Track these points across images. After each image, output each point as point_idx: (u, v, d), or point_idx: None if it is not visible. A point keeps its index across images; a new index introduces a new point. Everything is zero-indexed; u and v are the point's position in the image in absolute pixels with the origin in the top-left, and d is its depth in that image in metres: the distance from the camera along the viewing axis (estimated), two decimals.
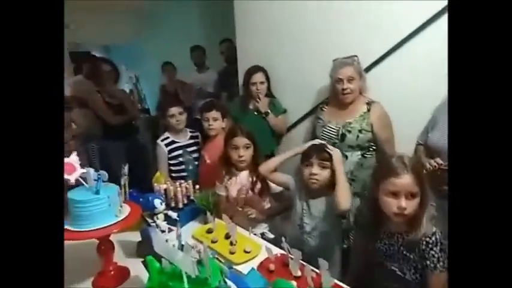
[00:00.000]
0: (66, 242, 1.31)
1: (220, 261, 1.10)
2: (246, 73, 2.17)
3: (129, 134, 2.78)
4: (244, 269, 1.10)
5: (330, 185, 1.34)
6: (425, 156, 1.51)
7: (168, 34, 4.65)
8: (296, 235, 1.40)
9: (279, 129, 2.20)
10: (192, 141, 2.08)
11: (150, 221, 1.34)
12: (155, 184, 1.58)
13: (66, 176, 0.99)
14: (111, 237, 1.12)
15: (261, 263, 1.12)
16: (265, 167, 1.49)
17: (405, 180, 1.00)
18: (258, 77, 2.13)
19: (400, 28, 1.64)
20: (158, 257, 0.75)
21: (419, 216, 1.02)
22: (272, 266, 1.08)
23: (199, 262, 0.68)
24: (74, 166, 1.02)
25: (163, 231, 1.30)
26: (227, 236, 1.29)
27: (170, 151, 2.02)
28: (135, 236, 1.31)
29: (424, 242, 1.01)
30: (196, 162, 2.05)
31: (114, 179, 1.16)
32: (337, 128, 1.73)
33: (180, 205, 1.53)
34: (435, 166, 1.37)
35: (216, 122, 1.87)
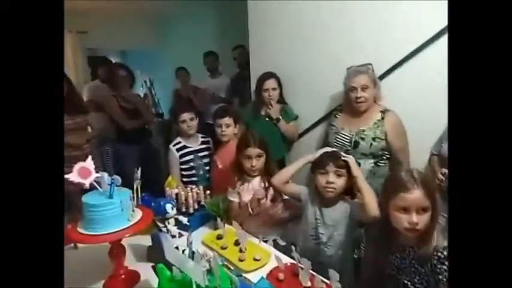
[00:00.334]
0: (79, 245, 1.35)
1: (229, 268, 1.10)
2: (259, 79, 2.18)
3: (143, 138, 2.83)
4: (253, 277, 1.10)
5: (343, 193, 1.32)
6: (439, 167, 1.47)
7: (182, 40, 4.73)
8: (310, 245, 1.38)
9: (291, 135, 2.20)
10: (203, 146, 2.10)
11: (161, 225, 1.35)
12: (167, 188, 1.60)
13: (81, 180, 1.02)
14: (123, 241, 1.14)
15: (271, 271, 1.11)
16: (279, 178, 1.46)
17: (415, 195, 0.98)
18: (271, 83, 2.14)
19: (415, 36, 1.62)
20: (169, 264, 0.76)
21: (430, 230, 1.00)
22: (281, 275, 1.07)
23: (209, 271, 0.68)
24: (89, 170, 1.04)
25: (173, 236, 1.31)
26: (237, 243, 1.29)
27: (181, 156, 2.04)
28: (146, 240, 1.32)
29: (436, 257, 0.98)
30: (207, 168, 2.06)
31: (127, 182, 1.17)
32: (351, 136, 1.71)
33: (191, 210, 1.54)
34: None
35: (228, 128, 1.88)
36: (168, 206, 1.38)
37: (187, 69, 3.59)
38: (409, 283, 1.05)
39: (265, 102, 2.16)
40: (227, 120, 1.88)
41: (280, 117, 2.14)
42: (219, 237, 1.36)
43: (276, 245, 1.40)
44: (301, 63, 2.15)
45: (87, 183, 1.03)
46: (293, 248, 1.10)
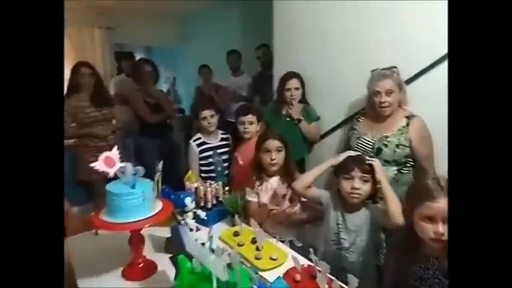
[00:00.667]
0: (101, 231, 1.39)
1: (244, 265, 1.10)
2: (281, 78, 2.17)
3: (164, 132, 2.89)
4: (268, 276, 1.09)
5: (367, 198, 1.29)
6: None
7: (206, 38, 4.78)
8: (331, 250, 1.35)
9: (312, 136, 2.17)
10: (222, 143, 2.11)
11: (179, 218, 1.37)
12: (187, 182, 1.62)
13: (106, 169, 1.04)
14: (142, 231, 1.16)
15: (287, 271, 1.10)
16: (300, 183, 1.42)
17: (442, 204, 0.93)
18: (293, 83, 2.12)
19: (445, 40, 1.55)
20: (188, 256, 0.76)
21: None
22: (298, 276, 1.05)
23: (229, 266, 0.68)
24: (114, 160, 1.06)
25: (191, 230, 1.33)
26: (253, 241, 1.28)
27: (201, 151, 2.06)
28: (164, 232, 1.35)
29: None
30: (225, 164, 2.07)
31: (147, 174, 1.20)
32: (373, 141, 1.66)
33: (209, 205, 1.56)
34: None
35: (251, 126, 1.89)
36: (188, 200, 1.39)
37: (210, 67, 3.62)
38: None
39: (287, 101, 2.14)
40: (250, 117, 1.89)
41: (302, 118, 2.11)
42: (236, 234, 1.37)
43: (292, 246, 1.38)
44: (325, 64, 2.12)
45: (111, 172, 1.05)
46: (311, 250, 1.07)
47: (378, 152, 1.62)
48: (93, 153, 2.29)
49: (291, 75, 2.14)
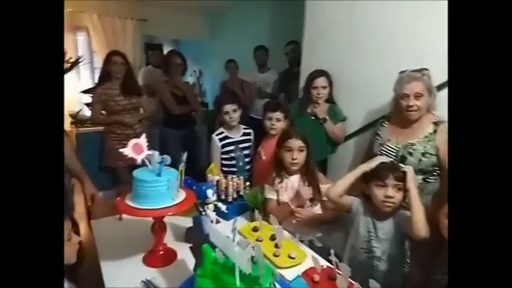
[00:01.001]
0: (125, 217, 1.43)
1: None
2: (309, 76, 2.13)
3: (188, 124, 2.93)
4: (286, 274, 1.08)
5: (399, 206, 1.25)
6: None
7: (235, 33, 4.80)
8: (360, 258, 1.31)
9: (336, 137, 2.12)
10: (244, 137, 2.11)
11: (201, 209, 1.38)
12: (209, 175, 1.63)
13: (134, 155, 1.07)
14: (164, 219, 1.18)
15: (306, 271, 1.08)
16: (334, 191, 1.34)
17: None
18: (321, 81, 2.08)
19: None
20: (211, 247, 0.77)
21: None
22: (317, 277, 1.03)
23: (252, 259, 0.67)
24: (142, 147, 1.08)
25: (211, 222, 1.33)
26: (272, 238, 1.27)
27: (223, 146, 2.07)
28: (185, 222, 1.37)
29: None
30: (246, 159, 2.07)
31: (170, 164, 1.21)
32: (397, 149, 1.57)
33: (230, 199, 1.56)
34: None
35: (278, 123, 1.89)
36: (209, 192, 1.40)
37: (237, 62, 3.63)
38: None
39: (313, 100, 2.10)
40: (278, 114, 1.88)
41: (327, 117, 2.07)
42: (255, 229, 1.36)
43: (311, 246, 1.36)
44: (356, 64, 2.06)
45: (139, 159, 1.07)
46: (331, 251, 1.05)
47: (401, 161, 1.52)
48: (119, 141, 2.37)
49: (319, 73, 2.10)
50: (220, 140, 2.07)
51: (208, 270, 0.71)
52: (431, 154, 1.50)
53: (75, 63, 4.22)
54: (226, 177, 1.61)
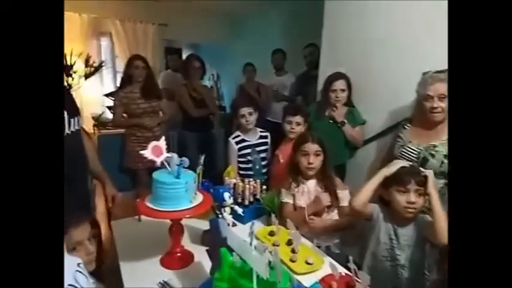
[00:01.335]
0: (143, 218, 1.46)
1: None
2: (327, 79, 2.11)
3: (206, 127, 2.97)
4: (303, 280, 1.06)
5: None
6: None
7: (253, 36, 4.83)
8: (382, 267, 1.28)
9: (355, 141, 2.08)
10: (261, 141, 2.11)
11: (217, 212, 1.39)
12: (226, 178, 1.63)
13: (154, 158, 1.08)
14: (182, 221, 1.19)
15: (323, 278, 1.06)
16: (359, 201, 1.29)
17: None
18: (340, 84, 2.06)
19: None
20: (229, 250, 0.76)
21: None
22: (334, 284, 1.01)
23: (269, 264, 0.67)
24: (161, 149, 1.10)
25: (228, 225, 1.33)
26: (289, 243, 1.26)
27: (240, 149, 2.08)
28: (202, 224, 1.38)
29: None
30: (263, 163, 2.07)
31: (188, 167, 1.22)
32: (419, 150, 1.53)
33: (246, 202, 1.56)
34: None
35: (298, 127, 1.88)
36: (226, 195, 1.40)
37: (254, 66, 3.65)
38: None
39: (331, 103, 2.08)
40: (298, 118, 1.88)
41: (346, 121, 2.04)
42: (272, 233, 1.35)
43: (329, 252, 1.33)
44: (375, 67, 2.02)
45: (158, 161, 1.09)
46: (350, 258, 1.02)
47: (423, 163, 1.49)
48: (139, 143, 2.43)
49: (338, 76, 2.07)
50: (237, 143, 2.08)
51: (226, 273, 0.71)
52: None
53: (99, 68, 4.38)
54: (243, 181, 1.61)
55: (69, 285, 0.62)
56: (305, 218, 1.45)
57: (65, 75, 4.02)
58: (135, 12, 4.59)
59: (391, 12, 1.91)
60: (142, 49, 4.60)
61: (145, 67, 2.46)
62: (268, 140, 2.13)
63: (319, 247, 1.28)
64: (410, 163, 1.32)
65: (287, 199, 1.53)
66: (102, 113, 4.33)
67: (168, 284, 1.05)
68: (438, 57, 1.63)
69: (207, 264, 1.10)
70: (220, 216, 1.31)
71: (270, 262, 0.67)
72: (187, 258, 1.19)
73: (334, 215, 1.53)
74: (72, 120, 1.26)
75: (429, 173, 1.21)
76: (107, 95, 4.17)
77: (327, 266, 1.11)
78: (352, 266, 1.01)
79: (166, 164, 1.10)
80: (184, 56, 4.19)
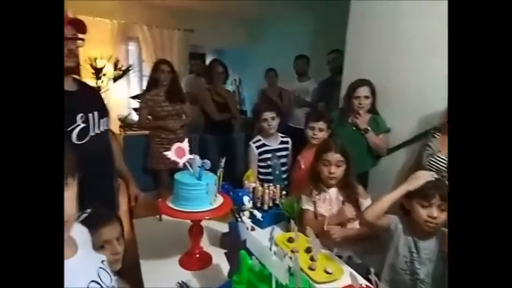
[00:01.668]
0: (164, 218, 1.48)
1: None
2: (351, 85, 2.08)
3: (227, 131, 3.00)
4: None
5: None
6: None
7: (276, 42, 4.85)
8: (401, 280, 1.23)
9: (378, 148, 2.03)
10: (282, 146, 2.10)
11: (236, 215, 1.39)
12: (245, 181, 1.64)
13: (176, 159, 1.11)
14: (202, 223, 1.20)
15: None
16: (372, 213, 1.24)
17: None
18: (363, 90, 2.02)
19: None
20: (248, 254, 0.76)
21: None
22: None
23: (289, 270, 0.66)
24: (184, 151, 1.12)
25: (246, 228, 1.33)
26: (308, 250, 1.24)
27: (260, 153, 2.07)
28: (220, 227, 1.38)
29: None
30: (283, 168, 2.06)
31: (209, 170, 1.23)
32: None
33: (265, 207, 1.55)
34: None
35: (320, 133, 1.86)
36: (246, 198, 1.40)
37: (276, 71, 3.65)
38: None
39: (354, 110, 2.04)
40: (321, 124, 1.86)
41: (369, 128, 1.99)
42: (290, 240, 1.33)
43: (350, 262, 1.30)
44: (401, 74, 1.97)
45: (181, 162, 1.11)
46: (371, 270, 0.99)
47: None
48: (162, 145, 2.49)
49: (362, 82, 2.03)
50: (258, 147, 2.08)
51: (245, 277, 0.70)
52: None
53: (126, 71, 4.55)
54: (262, 185, 1.61)
55: (92, 281, 0.63)
56: (325, 228, 1.41)
57: (95, 78, 4.22)
58: (162, 18, 4.74)
59: (418, 14, 1.85)
60: (168, 54, 4.73)
61: (171, 71, 2.53)
62: (289, 146, 2.12)
63: (340, 257, 1.25)
64: (437, 175, 1.26)
65: (308, 206, 1.51)
66: (128, 114, 4.48)
67: (187, 284, 1.06)
68: None
69: (225, 267, 1.09)
70: (239, 219, 1.31)
71: (289, 268, 0.66)
72: (206, 259, 1.20)
73: (355, 225, 1.49)
74: (101, 120, 1.31)
75: None
76: (133, 98, 4.31)
77: (347, 276, 1.08)
78: (373, 277, 0.97)
79: (188, 165, 1.12)
80: (207, 61, 4.27)
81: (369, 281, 0.99)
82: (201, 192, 1.06)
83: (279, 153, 2.08)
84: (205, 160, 1.11)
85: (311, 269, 1.14)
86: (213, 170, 1.25)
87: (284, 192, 1.62)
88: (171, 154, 1.10)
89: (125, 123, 4.22)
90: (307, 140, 1.91)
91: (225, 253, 1.13)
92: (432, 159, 1.55)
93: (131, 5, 4.51)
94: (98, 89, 3.93)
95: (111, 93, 4.46)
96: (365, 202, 1.48)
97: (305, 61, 3.46)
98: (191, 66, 4.48)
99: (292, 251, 1.25)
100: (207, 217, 1.08)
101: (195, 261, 1.18)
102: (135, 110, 3.86)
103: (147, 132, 2.66)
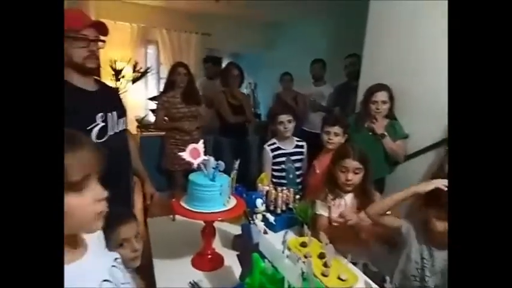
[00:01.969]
0: (177, 218, 1.49)
1: None
2: (368, 90, 2.04)
3: (241, 133, 3.01)
4: None
5: None
6: None
7: (294, 46, 4.84)
8: (412, 287, 1.19)
9: (396, 155, 1.98)
10: (297, 150, 2.08)
11: (249, 218, 1.38)
12: (259, 184, 1.63)
13: (191, 160, 1.11)
14: (214, 224, 1.20)
15: None
16: (373, 209, 1.27)
17: None
18: (381, 95, 1.98)
19: None
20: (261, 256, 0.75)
21: None
22: None
23: (302, 274, 0.64)
24: (199, 152, 1.13)
25: (259, 232, 1.32)
26: (321, 256, 1.22)
27: (274, 157, 2.07)
28: (233, 229, 1.38)
29: None
30: (297, 172, 2.04)
31: (223, 172, 1.23)
32: None
33: (278, 210, 1.54)
34: None
35: (336, 137, 1.83)
36: (259, 201, 1.40)
37: (292, 75, 3.64)
38: None
39: (371, 115, 2.00)
40: (337, 129, 1.83)
41: (386, 134, 1.95)
42: (303, 244, 1.32)
43: (365, 270, 1.27)
44: (420, 76, 1.92)
45: (195, 163, 1.12)
46: (387, 278, 0.96)
47: None
48: (177, 145, 2.52)
49: (379, 87, 2.00)
50: (272, 150, 2.07)
51: (257, 279, 0.70)
52: None
53: (145, 73, 4.65)
54: (276, 189, 1.60)
55: (104, 280, 0.64)
56: (340, 232, 1.38)
57: (114, 79, 4.34)
58: (181, 22, 4.83)
59: (439, 14, 1.80)
60: (185, 57, 4.81)
61: (187, 74, 2.57)
62: (304, 150, 2.10)
63: (355, 264, 1.22)
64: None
65: (322, 211, 1.49)
66: (146, 115, 4.57)
67: (198, 284, 1.06)
68: None
69: (237, 269, 1.09)
70: (252, 222, 1.30)
71: (303, 273, 0.65)
72: (218, 260, 1.20)
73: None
74: (120, 120, 1.34)
75: None
76: (150, 99, 4.40)
77: (361, 284, 1.05)
78: (388, 286, 0.95)
79: (202, 166, 1.13)
80: (223, 65, 4.31)
81: None
82: (215, 194, 1.07)
83: (293, 157, 2.06)
84: (220, 162, 1.12)
85: (324, 275, 1.12)
86: (227, 172, 1.25)
87: (297, 197, 1.61)
88: (185, 155, 1.11)
89: (141, 124, 4.31)
90: (323, 145, 1.89)
91: (237, 255, 1.13)
92: None
93: (151, 10, 4.63)
94: (117, 90, 4.03)
95: (130, 95, 4.57)
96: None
97: (321, 65, 3.44)
98: (207, 69, 4.54)
99: (305, 256, 1.23)
100: (220, 218, 1.08)
101: (207, 261, 1.18)
102: (152, 111, 3.94)
103: (162, 133, 2.71)
